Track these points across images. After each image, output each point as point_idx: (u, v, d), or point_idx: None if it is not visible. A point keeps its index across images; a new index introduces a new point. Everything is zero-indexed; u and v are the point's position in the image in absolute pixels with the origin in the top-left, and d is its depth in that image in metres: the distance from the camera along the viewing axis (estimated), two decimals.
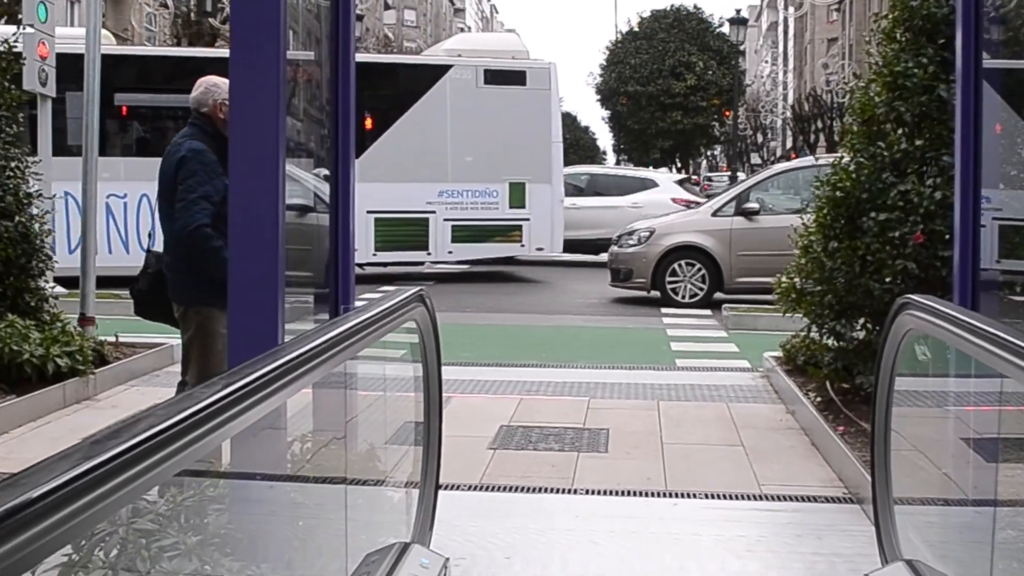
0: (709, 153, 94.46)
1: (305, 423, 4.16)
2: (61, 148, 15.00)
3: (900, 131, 6.33)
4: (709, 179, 46.18)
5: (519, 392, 7.87)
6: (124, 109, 16.34)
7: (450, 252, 17.35)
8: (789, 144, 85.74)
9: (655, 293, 14.48)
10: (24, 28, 12.96)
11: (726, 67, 41.23)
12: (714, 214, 14.39)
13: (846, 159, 6.64)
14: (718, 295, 14.33)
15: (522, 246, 17.59)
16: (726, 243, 14.15)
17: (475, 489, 5.29)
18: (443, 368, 8.40)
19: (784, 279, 6.91)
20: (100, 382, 7.53)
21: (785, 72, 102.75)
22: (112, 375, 7.76)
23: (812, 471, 5.69)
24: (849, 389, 6.66)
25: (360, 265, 17.18)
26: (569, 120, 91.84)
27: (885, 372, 3.62)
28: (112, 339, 8.50)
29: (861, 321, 6.54)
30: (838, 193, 6.45)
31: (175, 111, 16.80)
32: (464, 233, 17.19)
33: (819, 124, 58.80)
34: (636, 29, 43.46)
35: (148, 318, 5.15)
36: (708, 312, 13.77)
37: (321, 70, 4.49)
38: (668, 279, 14.29)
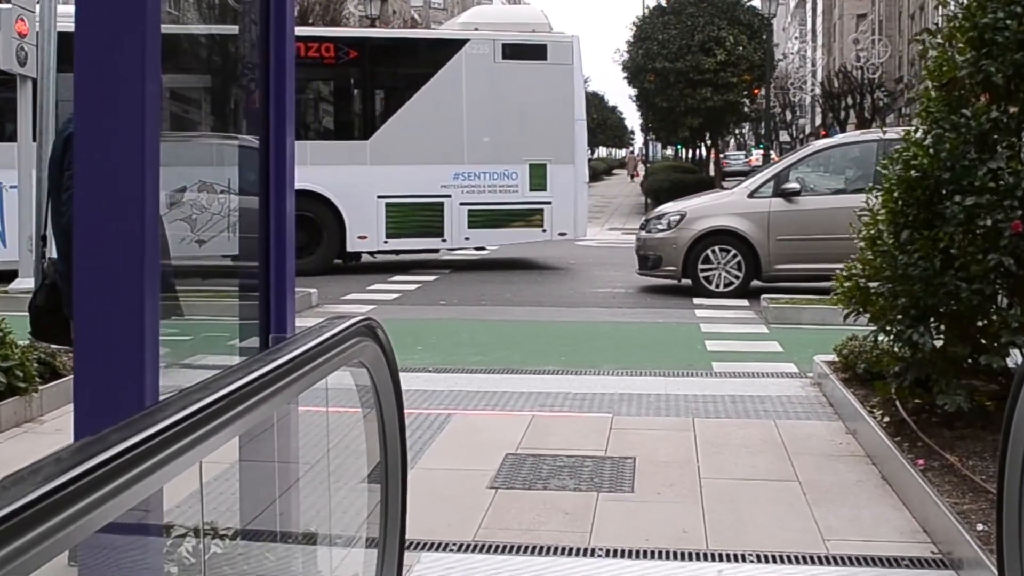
0: (737, 131, 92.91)
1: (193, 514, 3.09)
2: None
3: (989, 96, 5.19)
4: (726, 158, 44.84)
5: (532, 406, 6.79)
6: None
7: (467, 238, 16.27)
8: (819, 121, 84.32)
9: (686, 281, 13.38)
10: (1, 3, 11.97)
11: (757, 42, 39.83)
12: (750, 195, 13.24)
13: (919, 132, 5.51)
14: (755, 283, 13.21)
15: (543, 231, 16.50)
16: (764, 227, 13.00)
17: (466, 550, 4.22)
18: (448, 376, 7.35)
19: (846, 276, 5.77)
20: (47, 400, 6.52)
21: (814, 49, 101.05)
22: (63, 391, 6.74)
23: (888, 518, 4.58)
24: (923, 406, 5.55)
25: (371, 253, 16.15)
26: (596, 100, 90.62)
27: (1020, 436, 2.53)
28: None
29: (938, 325, 5.42)
30: (912, 173, 5.32)
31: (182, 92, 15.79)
32: (481, 218, 16.11)
33: (849, 101, 57.41)
34: (664, 4, 42.11)
35: (46, 340, 4.12)
36: (745, 302, 12.65)
37: (246, 21, 3.41)
38: (701, 266, 13.17)
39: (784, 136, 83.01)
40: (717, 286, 13.14)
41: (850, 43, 63.16)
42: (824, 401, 6.89)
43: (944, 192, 5.18)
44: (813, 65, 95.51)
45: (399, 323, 11.08)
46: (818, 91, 76.59)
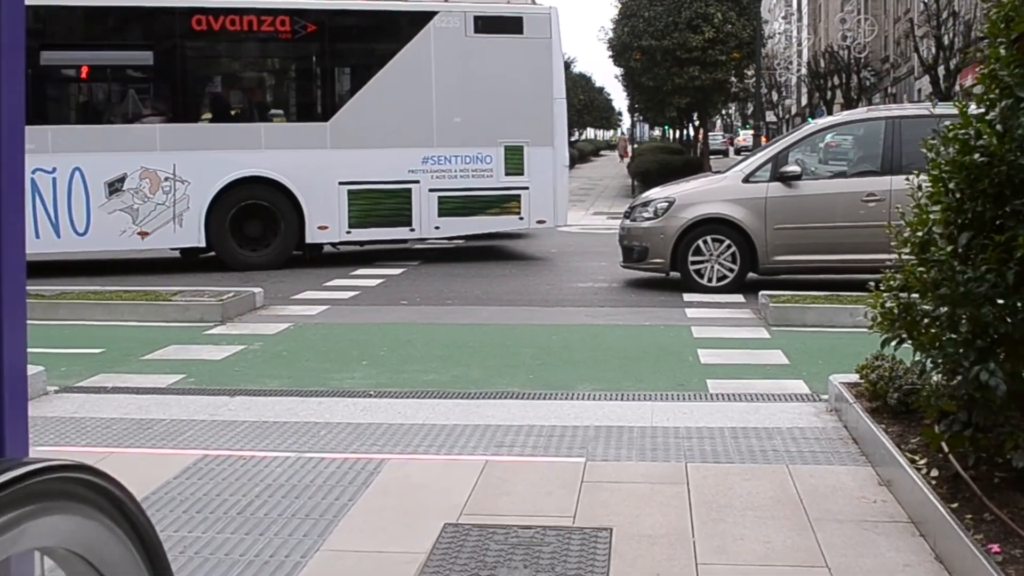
0: (724, 112, 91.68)
1: None
2: None
3: None
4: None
5: (487, 446, 5.50)
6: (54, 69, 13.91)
7: (437, 228, 14.94)
8: (804, 102, 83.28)
9: (675, 275, 12.11)
10: None
11: (746, 18, 38.54)
12: (746, 180, 11.95)
13: (977, 109, 4.21)
14: (751, 276, 11.95)
15: (520, 219, 15.19)
16: (760, 214, 11.72)
17: None
18: (390, 403, 6.04)
19: (885, 292, 4.47)
20: None
21: (799, 29, 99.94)
22: None
23: None
24: (986, 459, 4.28)
25: (333, 244, 14.84)
26: (583, 80, 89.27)
27: None
28: None
29: (1009, 358, 4.14)
30: (975, 157, 4.02)
31: (121, 70, 14.43)
32: (453, 205, 14.80)
33: (835, 80, 56.39)
34: None
35: None
36: (740, 299, 11.39)
37: None
38: (691, 258, 11.90)
39: (770, 116, 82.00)
40: (709, 280, 11.87)
41: (836, 23, 62.27)
42: (846, 436, 5.61)
43: (1019, 182, 3.89)
44: (799, 45, 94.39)
45: (348, 329, 9.78)
46: (804, 71, 75.49)
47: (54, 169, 13.42)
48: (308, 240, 14.47)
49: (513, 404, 6.42)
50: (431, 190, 14.69)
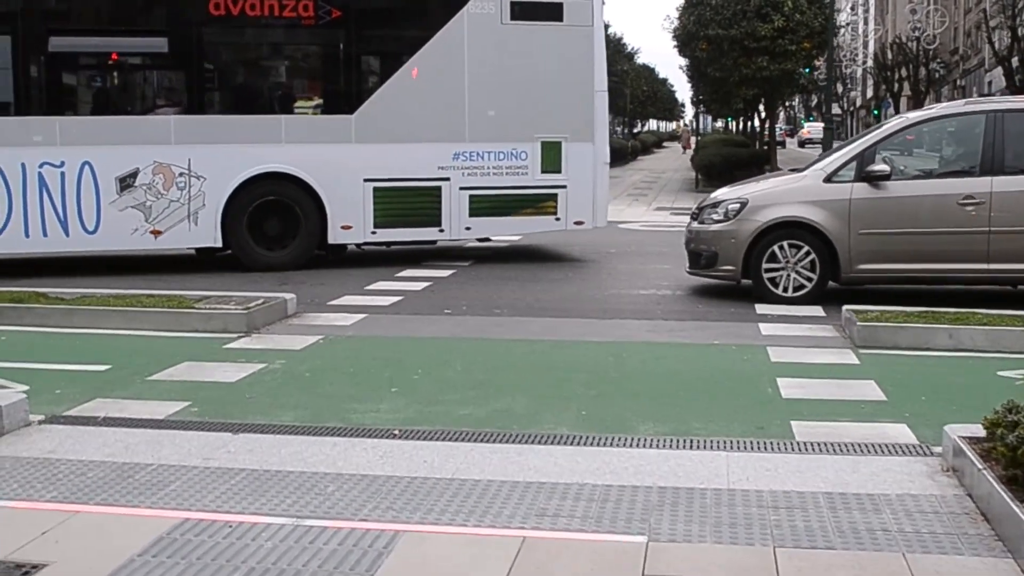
0: (787, 104, 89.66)
1: None
2: None
3: None
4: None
5: (525, 514, 4.49)
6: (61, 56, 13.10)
7: (468, 228, 13.96)
8: (870, 94, 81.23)
9: (747, 283, 11.01)
10: None
11: (817, 6, 37.07)
12: (827, 179, 10.79)
13: None
14: (831, 285, 10.81)
15: (557, 219, 14.15)
16: (843, 218, 10.58)
17: None
18: (416, 447, 4.95)
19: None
20: None
21: (866, 20, 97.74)
22: None
23: None
24: None
25: (358, 245, 13.93)
26: (647, 71, 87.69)
27: None
28: None
29: None
30: None
31: (134, 58, 13.62)
32: (485, 204, 13.81)
33: (903, 72, 54.77)
34: None
35: None
36: (819, 311, 10.27)
37: None
38: (765, 266, 10.78)
39: (835, 109, 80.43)
40: (785, 290, 10.74)
41: (905, 13, 60.42)
42: (972, 510, 4.51)
43: None
44: (865, 36, 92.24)
45: (382, 344, 8.83)
46: (870, 63, 73.53)
47: (62, 163, 12.64)
48: (330, 240, 13.57)
49: (561, 452, 5.40)
50: (462, 188, 13.71)
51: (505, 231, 14.82)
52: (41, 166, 12.52)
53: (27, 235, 12.68)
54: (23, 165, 12.52)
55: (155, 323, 9.32)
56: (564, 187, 14.00)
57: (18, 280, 11.51)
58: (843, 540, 4.19)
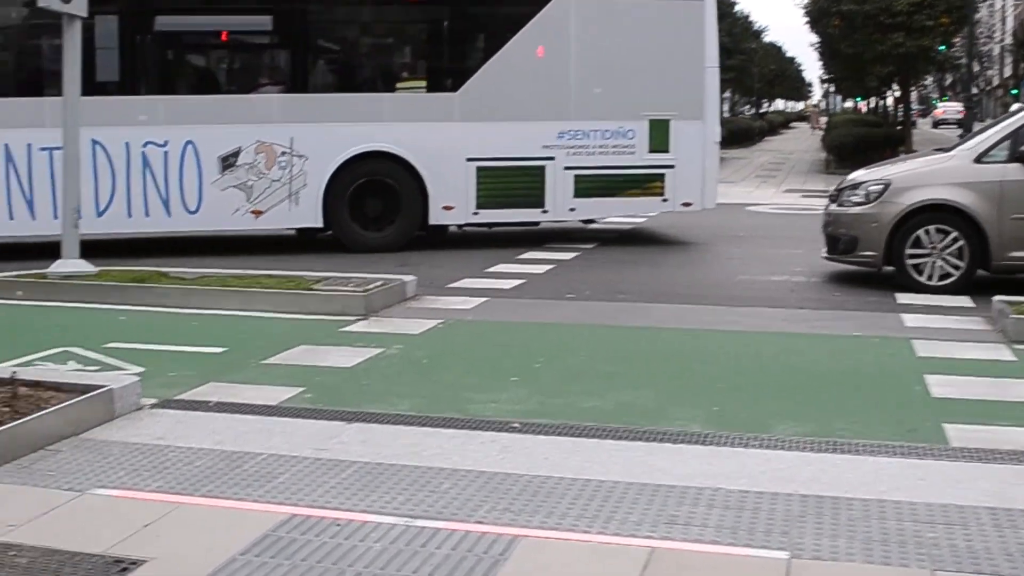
0: (920, 83, 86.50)
1: None
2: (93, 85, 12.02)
3: None
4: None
5: (654, 521, 4.13)
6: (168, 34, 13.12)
7: (572, 209, 13.59)
8: (1008, 73, 77.81)
9: (888, 269, 10.39)
10: None
11: None
12: (977, 160, 10.10)
13: None
14: (980, 274, 10.13)
15: (664, 200, 13.67)
16: (995, 201, 9.89)
17: None
18: (536, 441, 4.55)
19: None
20: None
21: None
22: None
23: None
24: None
25: (459, 226, 13.66)
26: (775, 50, 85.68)
27: None
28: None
29: None
30: None
31: (238, 36, 13.59)
32: (590, 184, 13.40)
33: None
34: None
35: None
36: (967, 301, 9.62)
37: None
38: (909, 252, 10.16)
39: (972, 89, 77.50)
40: (930, 278, 10.10)
41: None
42: None
43: None
44: (1004, 12, 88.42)
45: (503, 329, 8.54)
46: (1008, 40, 70.46)
47: (166, 142, 12.64)
48: (432, 221, 13.32)
49: (691, 452, 5.03)
50: (567, 168, 13.32)
51: (610, 212, 14.42)
52: (145, 145, 12.55)
53: (130, 215, 12.72)
54: (127, 144, 12.57)
55: (273, 304, 9.20)
56: (672, 167, 13.52)
57: (125, 260, 11.55)
58: (1012, 565, 3.73)
